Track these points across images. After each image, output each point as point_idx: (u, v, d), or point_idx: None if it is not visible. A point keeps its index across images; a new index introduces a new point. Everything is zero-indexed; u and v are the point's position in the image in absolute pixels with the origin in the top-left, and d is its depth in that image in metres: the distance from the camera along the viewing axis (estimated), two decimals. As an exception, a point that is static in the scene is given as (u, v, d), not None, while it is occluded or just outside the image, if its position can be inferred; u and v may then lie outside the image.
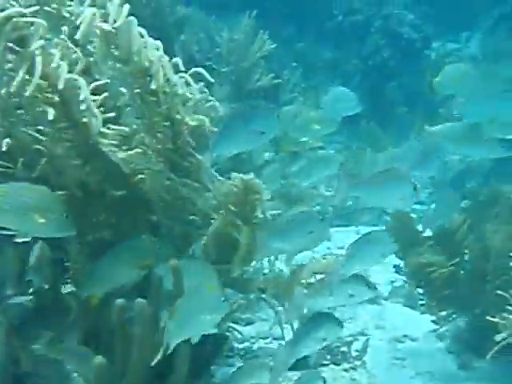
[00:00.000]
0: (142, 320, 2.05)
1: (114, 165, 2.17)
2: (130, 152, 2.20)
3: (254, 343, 3.73)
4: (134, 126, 2.21)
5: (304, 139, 4.48)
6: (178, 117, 2.17)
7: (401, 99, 8.12)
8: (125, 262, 2.20)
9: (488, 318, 2.48)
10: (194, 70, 2.26)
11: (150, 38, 2.07)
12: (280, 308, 3.23)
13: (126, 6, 1.94)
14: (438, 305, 3.24)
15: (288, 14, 9.06)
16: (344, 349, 3.23)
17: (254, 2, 8.89)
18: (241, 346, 3.64)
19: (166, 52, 2.10)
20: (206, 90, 2.26)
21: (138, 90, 2.09)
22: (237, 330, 3.44)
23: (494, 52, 8.65)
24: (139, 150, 2.20)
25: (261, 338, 3.74)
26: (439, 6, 9.73)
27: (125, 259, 2.20)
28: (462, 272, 3.19)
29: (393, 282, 4.51)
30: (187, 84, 2.21)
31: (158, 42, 2.05)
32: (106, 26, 1.92)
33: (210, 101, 2.31)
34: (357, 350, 3.25)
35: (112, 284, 2.21)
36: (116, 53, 1.96)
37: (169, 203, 2.31)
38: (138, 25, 2.00)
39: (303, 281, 3.17)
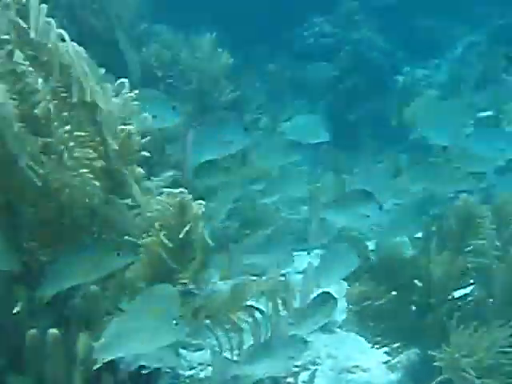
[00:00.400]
0: (54, 355, 1.85)
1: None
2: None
3: (202, 370, 3.59)
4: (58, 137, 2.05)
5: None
6: (104, 129, 2.02)
7: (367, 123, 8.06)
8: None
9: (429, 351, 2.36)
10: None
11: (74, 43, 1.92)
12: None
13: (44, 6, 1.80)
14: (383, 336, 3.10)
15: (260, 35, 9.02)
16: (290, 380, 3.11)
17: (225, 21, 8.90)
18: (188, 373, 3.53)
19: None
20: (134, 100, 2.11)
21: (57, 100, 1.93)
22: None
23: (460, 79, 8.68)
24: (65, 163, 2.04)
25: (210, 365, 3.46)
26: (411, 33, 9.78)
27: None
28: (403, 303, 3.07)
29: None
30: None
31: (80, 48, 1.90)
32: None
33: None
34: (304, 382, 3.12)
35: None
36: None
37: (95, 221, 2.15)
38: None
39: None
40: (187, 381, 3.54)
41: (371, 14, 9.47)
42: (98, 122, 1.94)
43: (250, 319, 2.45)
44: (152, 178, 2.37)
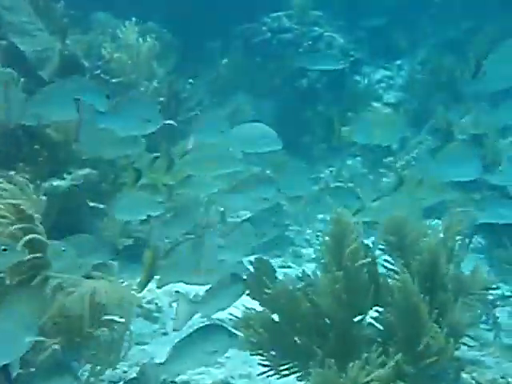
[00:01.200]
0: None
1: None
2: None
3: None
4: None
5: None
6: None
7: (321, 124, 7.77)
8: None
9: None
10: None
11: None
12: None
13: None
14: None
15: (215, 29, 8.66)
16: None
17: (178, 16, 8.57)
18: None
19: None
20: None
21: None
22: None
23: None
24: None
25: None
26: (375, 32, 9.49)
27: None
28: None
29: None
30: None
31: None
32: None
33: None
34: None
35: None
36: None
37: None
38: None
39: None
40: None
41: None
42: None
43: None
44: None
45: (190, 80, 5.69)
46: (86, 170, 4.11)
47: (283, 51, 8.45)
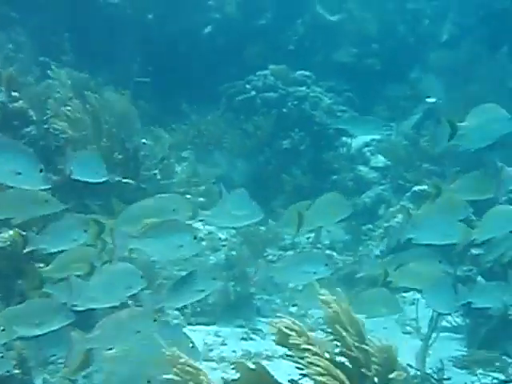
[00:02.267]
0: None
1: None
2: None
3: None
4: None
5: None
6: None
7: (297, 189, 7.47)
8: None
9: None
10: None
11: None
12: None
13: None
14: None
15: (201, 84, 8.50)
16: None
17: (160, 70, 8.50)
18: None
19: None
20: None
21: None
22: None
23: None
24: None
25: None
26: (364, 95, 9.28)
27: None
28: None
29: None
30: None
31: None
32: None
33: None
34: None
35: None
36: None
37: None
38: None
39: None
40: None
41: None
42: None
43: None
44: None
45: (143, 140, 5.42)
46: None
47: (267, 110, 8.20)
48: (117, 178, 5.15)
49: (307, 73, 8.78)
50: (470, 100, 5.99)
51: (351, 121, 7.32)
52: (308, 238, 7.33)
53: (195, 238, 3.19)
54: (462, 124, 3.67)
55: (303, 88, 8.47)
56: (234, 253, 6.51)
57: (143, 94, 8.37)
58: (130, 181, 5.26)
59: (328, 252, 7.08)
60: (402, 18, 10.24)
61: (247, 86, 8.38)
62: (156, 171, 5.40)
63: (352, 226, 7.53)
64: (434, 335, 4.67)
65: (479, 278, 5.85)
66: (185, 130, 8.23)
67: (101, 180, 3.62)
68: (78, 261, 3.44)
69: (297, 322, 2.52)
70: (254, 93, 8.34)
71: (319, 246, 7.21)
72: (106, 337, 3.00)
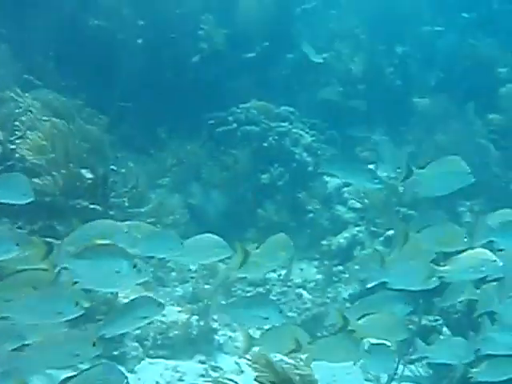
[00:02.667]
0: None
1: None
2: None
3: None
4: None
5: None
6: None
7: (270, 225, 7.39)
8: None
9: None
10: None
11: None
12: None
13: None
14: None
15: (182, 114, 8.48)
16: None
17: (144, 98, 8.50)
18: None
19: None
20: None
21: None
22: None
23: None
24: None
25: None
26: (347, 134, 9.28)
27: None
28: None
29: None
30: None
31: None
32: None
33: None
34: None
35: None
36: None
37: None
38: None
39: None
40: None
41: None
42: None
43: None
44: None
45: (112, 166, 5.36)
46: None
47: (247, 143, 8.18)
48: (84, 204, 5.06)
49: (291, 109, 8.78)
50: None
51: (341, 168, 7.19)
52: (279, 276, 7.24)
53: (135, 266, 3.05)
54: (420, 171, 3.79)
55: (285, 124, 8.45)
56: (201, 286, 6.42)
57: (126, 119, 8.36)
58: (97, 206, 5.18)
59: (298, 291, 7.05)
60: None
61: (229, 118, 8.35)
62: (125, 199, 5.32)
63: (325, 265, 7.49)
64: (392, 385, 4.58)
65: (444, 329, 5.79)
66: (164, 158, 8.19)
67: (27, 201, 3.57)
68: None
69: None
70: (235, 125, 8.31)
71: (289, 284, 7.14)
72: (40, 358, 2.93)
